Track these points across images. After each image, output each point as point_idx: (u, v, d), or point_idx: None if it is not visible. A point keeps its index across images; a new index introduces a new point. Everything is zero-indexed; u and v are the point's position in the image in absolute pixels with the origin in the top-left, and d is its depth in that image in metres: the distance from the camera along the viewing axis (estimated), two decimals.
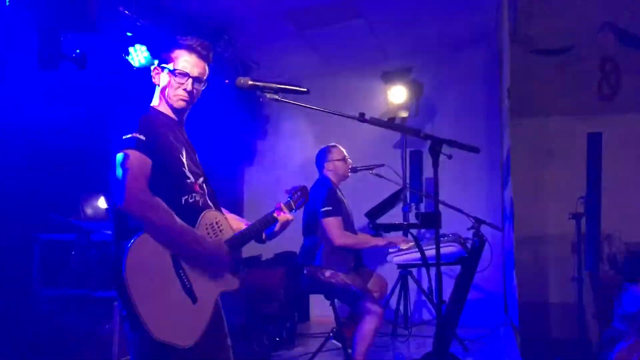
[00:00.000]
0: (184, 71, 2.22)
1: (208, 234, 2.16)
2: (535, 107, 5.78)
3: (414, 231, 3.88)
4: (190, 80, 2.22)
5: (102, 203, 4.27)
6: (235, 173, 6.66)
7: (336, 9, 5.15)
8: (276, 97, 2.27)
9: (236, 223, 2.39)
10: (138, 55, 4.21)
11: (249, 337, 4.53)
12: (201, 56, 2.26)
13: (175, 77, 2.21)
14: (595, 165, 4.39)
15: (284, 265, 5.58)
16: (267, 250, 5.81)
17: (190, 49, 2.23)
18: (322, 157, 4.09)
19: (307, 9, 5.12)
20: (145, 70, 4.22)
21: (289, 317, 5.18)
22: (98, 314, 3.37)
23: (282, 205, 2.46)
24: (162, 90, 2.25)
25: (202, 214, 2.16)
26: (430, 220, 2.26)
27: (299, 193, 2.55)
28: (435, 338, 3.07)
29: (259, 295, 5.00)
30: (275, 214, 2.40)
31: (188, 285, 2.03)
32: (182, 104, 2.24)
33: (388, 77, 6.03)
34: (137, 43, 4.19)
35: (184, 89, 2.22)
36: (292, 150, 6.14)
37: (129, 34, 4.18)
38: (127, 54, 4.18)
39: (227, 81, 5.07)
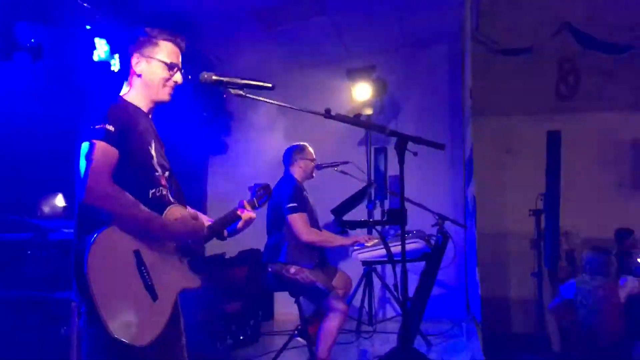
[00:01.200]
0: (176, 63, 2.20)
1: None
2: (496, 106, 5.87)
3: (379, 228, 3.89)
4: (179, 73, 2.22)
5: (60, 201, 4.14)
6: (198, 170, 6.58)
7: (300, 6, 5.13)
8: (241, 92, 2.25)
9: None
10: (97, 49, 4.10)
11: (212, 335, 4.48)
12: (182, 50, 2.26)
13: (170, 69, 2.18)
14: (554, 162, 4.49)
15: (248, 263, 5.54)
16: (231, 248, 5.75)
17: (174, 42, 2.22)
18: (292, 154, 4.07)
19: (272, 5, 5.08)
20: (104, 65, 4.12)
21: (253, 315, 5.15)
22: (56, 317, 3.26)
23: (245, 202, 2.44)
24: (143, 80, 2.20)
25: (168, 209, 2.13)
26: (396, 217, 2.26)
27: (262, 191, 2.53)
28: (400, 334, 3.09)
29: (223, 294, 4.94)
30: (238, 212, 2.38)
31: (149, 282, 1.99)
32: (168, 97, 2.22)
33: (352, 74, 6.04)
34: (97, 37, 4.09)
35: (175, 81, 2.21)
36: (257, 147, 6.10)
37: (87, 27, 4.07)
38: (93, 47, 4.07)
39: (189, 77, 4.99)
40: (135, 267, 1.97)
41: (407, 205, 2.50)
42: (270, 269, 3.90)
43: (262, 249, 4.10)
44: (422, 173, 5.50)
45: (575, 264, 6.38)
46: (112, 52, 4.08)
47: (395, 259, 3.41)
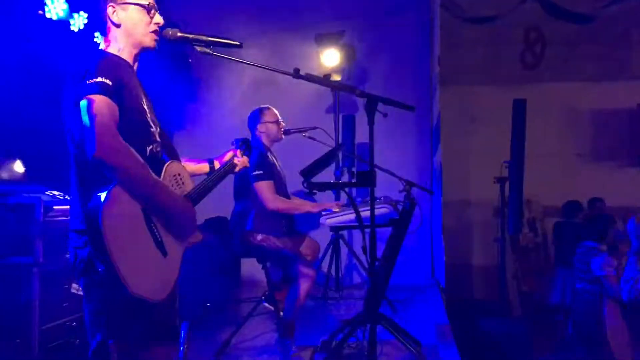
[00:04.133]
0: (153, 4, 2.09)
1: (172, 186, 2.09)
2: (463, 74, 5.91)
3: (348, 191, 3.88)
4: (158, 14, 2.11)
5: (18, 166, 4.03)
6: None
7: None
8: (207, 50, 2.19)
9: (196, 167, 2.40)
10: (56, 7, 3.94)
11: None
12: None
13: (148, 11, 2.07)
14: (519, 130, 4.55)
15: (215, 230, 5.49)
16: (198, 215, 5.69)
17: None
18: (254, 119, 3.99)
19: None
20: (61, 24, 3.96)
21: (220, 282, 5.13)
22: (15, 282, 3.17)
23: (237, 151, 2.46)
24: (124, 29, 2.07)
25: (166, 165, 2.08)
26: (366, 178, 2.26)
27: (244, 145, 2.54)
28: (367, 297, 3.11)
29: (188, 261, 4.89)
30: (235, 160, 2.42)
31: (159, 239, 1.96)
32: (154, 43, 2.11)
33: (321, 39, 5.96)
34: None
35: (156, 23, 2.10)
36: (224, 113, 6.00)
37: None
38: (44, 6, 3.91)
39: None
40: (144, 224, 1.92)
41: (375, 170, 2.50)
42: (237, 236, 3.87)
43: (228, 217, 4.06)
44: (390, 140, 5.50)
45: (537, 231, 6.55)
46: (72, 10, 3.93)
47: (364, 223, 3.41)
